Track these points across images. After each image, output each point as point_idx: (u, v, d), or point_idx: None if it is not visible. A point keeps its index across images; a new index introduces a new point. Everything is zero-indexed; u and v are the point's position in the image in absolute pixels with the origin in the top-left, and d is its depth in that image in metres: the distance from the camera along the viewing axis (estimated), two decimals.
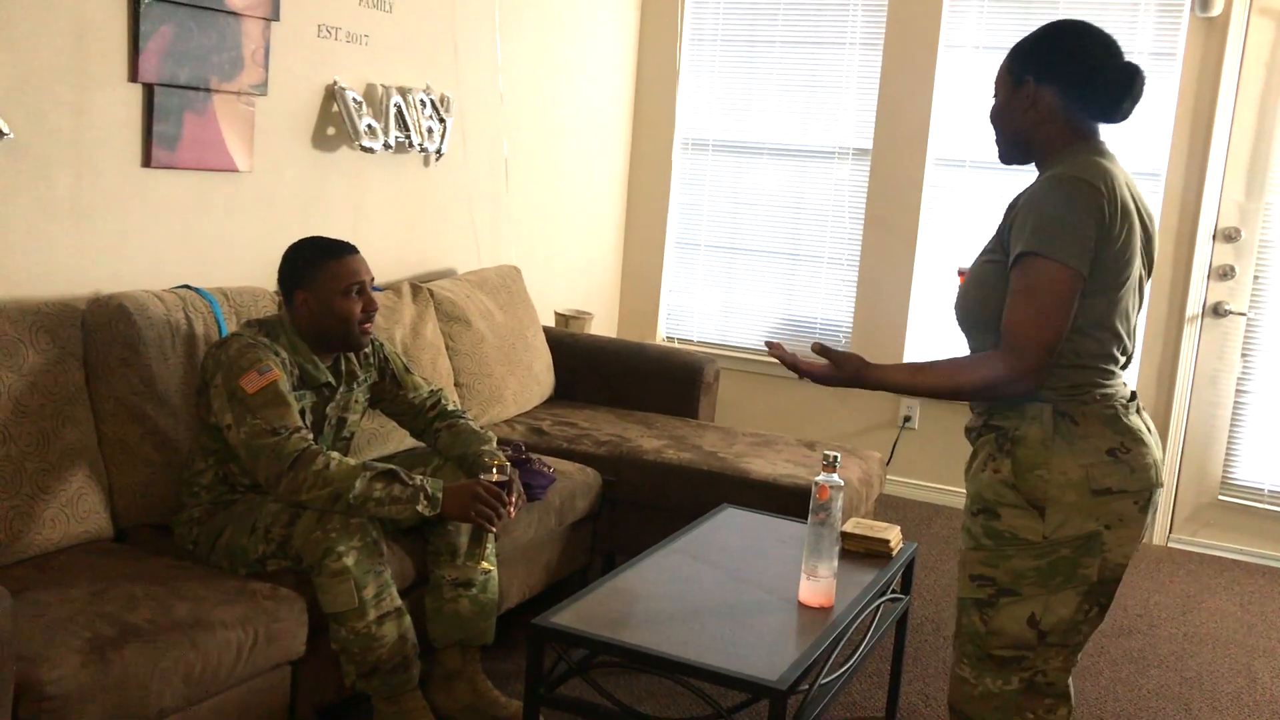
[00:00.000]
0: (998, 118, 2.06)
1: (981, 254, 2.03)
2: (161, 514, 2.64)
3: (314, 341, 2.64)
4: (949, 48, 4.62)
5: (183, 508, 2.59)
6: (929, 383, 1.98)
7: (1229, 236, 4.34)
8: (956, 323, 2.07)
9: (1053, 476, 1.88)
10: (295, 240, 2.70)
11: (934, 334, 4.80)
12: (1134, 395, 2.01)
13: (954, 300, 2.07)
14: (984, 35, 4.56)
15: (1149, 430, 1.98)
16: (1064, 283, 1.84)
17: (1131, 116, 1.99)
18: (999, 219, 2.00)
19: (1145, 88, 1.96)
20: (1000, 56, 2.07)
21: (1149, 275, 2.01)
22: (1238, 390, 4.40)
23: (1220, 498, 4.44)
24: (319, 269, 2.61)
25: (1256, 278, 4.33)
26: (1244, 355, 4.37)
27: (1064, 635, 1.93)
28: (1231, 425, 4.42)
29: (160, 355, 2.66)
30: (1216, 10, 4.18)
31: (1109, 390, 1.93)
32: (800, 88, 4.96)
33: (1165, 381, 4.44)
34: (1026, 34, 2.04)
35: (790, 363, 2.06)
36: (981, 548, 1.95)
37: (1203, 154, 4.28)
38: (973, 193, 4.66)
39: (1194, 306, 4.38)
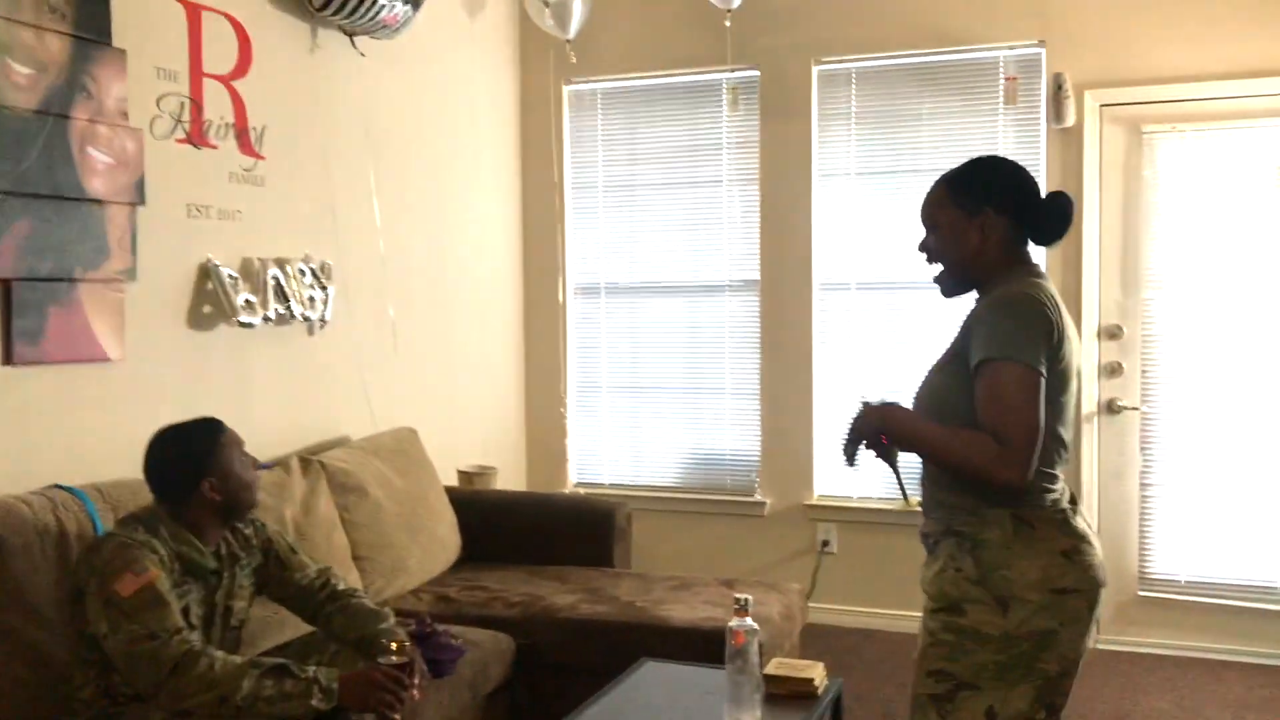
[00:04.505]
0: (944, 247, 2.13)
1: (933, 371, 2.12)
2: None
3: (217, 523, 2.54)
4: (823, 176, 4.73)
5: None
6: (933, 433, 2.02)
7: (1112, 334, 4.45)
8: None
9: (1015, 576, 1.97)
10: (159, 437, 2.58)
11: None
12: (1074, 499, 2.11)
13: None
14: (855, 162, 4.68)
15: (1092, 531, 2.09)
16: (1031, 379, 1.95)
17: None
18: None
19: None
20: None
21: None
22: (1142, 484, 4.45)
23: (1140, 593, 4.45)
24: (217, 448, 2.54)
25: (1144, 372, 4.43)
26: (1143, 449, 4.43)
27: None
28: (1141, 519, 4.45)
29: (28, 564, 2.50)
30: (1069, 122, 4.37)
31: (1055, 495, 2.05)
32: (684, 227, 5.03)
33: (1072, 481, 4.43)
34: (960, 168, 2.14)
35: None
36: (941, 643, 2.00)
37: (1077, 256, 4.40)
38: (861, 313, 4.72)
39: (1089, 404, 4.45)
